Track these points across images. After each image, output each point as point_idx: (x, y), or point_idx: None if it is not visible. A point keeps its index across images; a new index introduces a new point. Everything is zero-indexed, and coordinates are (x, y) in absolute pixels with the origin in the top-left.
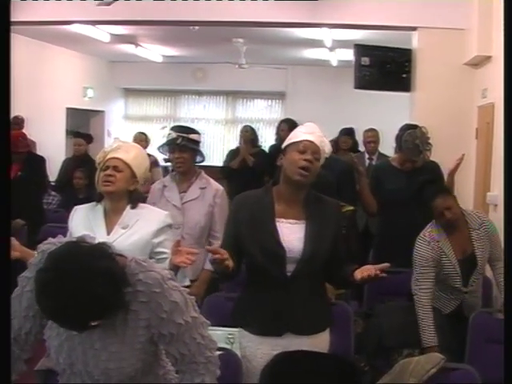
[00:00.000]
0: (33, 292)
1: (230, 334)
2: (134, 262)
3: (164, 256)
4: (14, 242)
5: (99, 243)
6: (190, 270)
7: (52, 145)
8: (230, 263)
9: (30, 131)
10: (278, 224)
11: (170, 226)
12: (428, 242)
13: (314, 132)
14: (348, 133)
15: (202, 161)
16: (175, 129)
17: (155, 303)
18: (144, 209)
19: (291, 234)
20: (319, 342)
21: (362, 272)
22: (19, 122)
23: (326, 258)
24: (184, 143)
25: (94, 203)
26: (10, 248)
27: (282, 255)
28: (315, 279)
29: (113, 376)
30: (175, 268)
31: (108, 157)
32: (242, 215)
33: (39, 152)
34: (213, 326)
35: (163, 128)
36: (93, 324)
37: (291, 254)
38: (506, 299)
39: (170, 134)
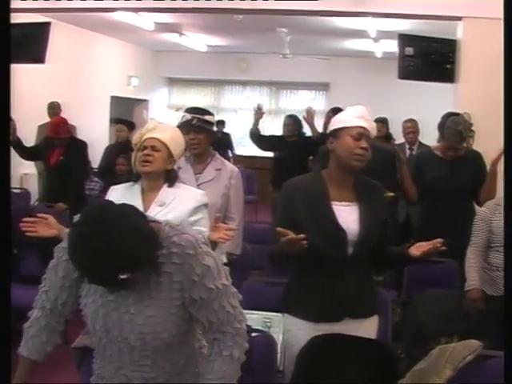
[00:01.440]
0: (69, 261)
1: (266, 318)
2: (169, 226)
3: None
4: (52, 220)
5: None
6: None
7: (96, 132)
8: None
9: (73, 118)
10: (333, 207)
11: (205, 205)
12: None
13: (365, 116)
14: (381, 121)
15: (217, 143)
16: (189, 110)
17: (188, 265)
18: (180, 188)
19: (346, 216)
20: (372, 325)
21: (419, 248)
22: (55, 107)
23: (377, 240)
24: (199, 124)
25: (131, 183)
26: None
27: (343, 237)
28: (367, 261)
29: (148, 341)
30: (213, 244)
31: (145, 137)
32: (296, 201)
33: (82, 139)
34: (250, 309)
35: (177, 110)
36: (122, 277)
37: (349, 237)
38: (507, 297)
39: (184, 115)
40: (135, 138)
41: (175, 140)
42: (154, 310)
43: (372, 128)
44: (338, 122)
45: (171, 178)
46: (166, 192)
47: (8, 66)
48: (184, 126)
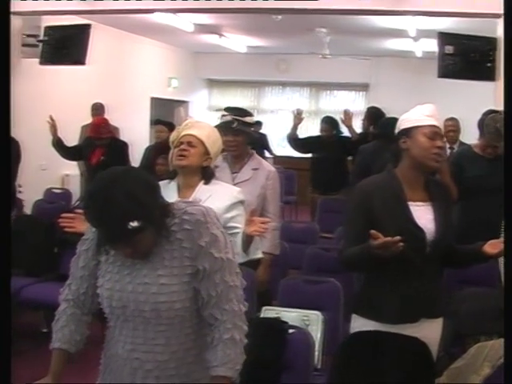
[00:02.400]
0: (88, 251)
1: (305, 316)
2: (182, 201)
3: (236, 231)
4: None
5: None
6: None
7: (136, 134)
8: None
9: (114, 119)
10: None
11: (242, 202)
12: None
13: (435, 115)
14: None
15: (254, 143)
16: (229, 111)
17: (197, 232)
18: (217, 185)
19: (422, 215)
20: (440, 325)
21: (494, 246)
22: (98, 107)
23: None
24: (239, 127)
25: (167, 180)
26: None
27: (422, 237)
28: (440, 260)
29: (163, 312)
30: (249, 239)
31: (182, 134)
32: (372, 202)
33: (124, 140)
34: (288, 307)
35: (217, 110)
36: (132, 225)
37: (428, 237)
38: (507, 297)
39: (224, 115)
40: (172, 135)
41: (212, 138)
42: (168, 278)
43: (441, 126)
44: (409, 121)
45: (207, 175)
46: (202, 189)
47: (8, 66)
48: (223, 127)
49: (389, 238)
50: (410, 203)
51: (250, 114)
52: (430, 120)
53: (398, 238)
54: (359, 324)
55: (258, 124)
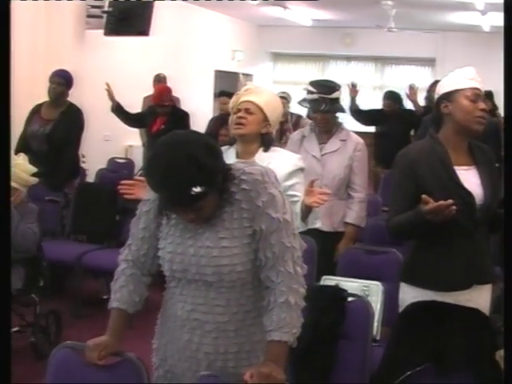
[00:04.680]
0: (149, 212)
1: (365, 287)
2: (241, 162)
3: (295, 199)
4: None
5: None
6: (327, 220)
7: (200, 106)
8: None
9: (177, 91)
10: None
11: (301, 169)
12: None
13: (476, 78)
14: (487, 94)
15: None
16: (315, 86)
17: (255, 192)
18: (276, 152)
19: (468, 180)
20: (489, 292)
21: None
22: (161, 79)
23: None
24: (328, 108)
25: (227, 146)
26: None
27: (472, 202)
28: (487, 226)
29: (225, 275)
30: (307, 209)
31: (240, 100)
32: (419, 169)
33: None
34: (348, 277)
35: (296, 85)
36: (194, 191)
37: (477, 201)
38: (506, 300)
39: (310, 91)
40: (232, 101)
41: (272, 104)
42: (229, 240)
43: (482, 89)
44: (449, 85)
45: (266, 142)
46: (261, 156)
47: (8, 67)
48: (310, 104)
49: (441, 202)
50: (455, 167)
51: (336, 89)
52: (472, 82)
53: (450, 201)
54: (409, 293)
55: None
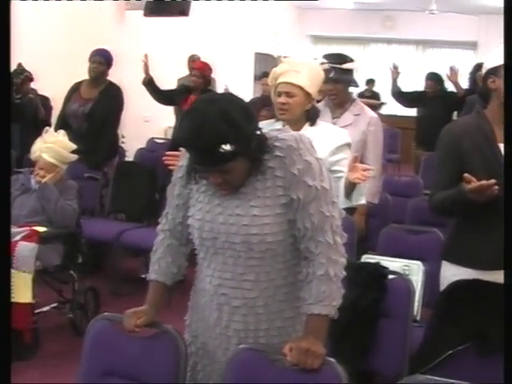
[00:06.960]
0: (182, 178)
1: (405, 266)
2: (274, 129)
3: (340, 175)
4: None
5: None
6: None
7: (239, 88)
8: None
9: (216, 73)
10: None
11: (348, 144)
12: None
13: None
14: None
15: (356, 87)
16: (327, 57)
17: (290, 159)
18: (323, 126)
19: None
20: None
21: None
22: (196, 59)
23: None
24: (337, 77)
25: (273, 120)
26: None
27: None
28: None
29: (254, 244)
30: (351, 185)
31: (278, 81)
32: (462, 144)
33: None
34: (389, 256)
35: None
36: (224, 149)
37: None
38: (507, 300)
39: (322, 63)
40: (270, 78)
41: (311, 78)
42: (260, 209)
43: None
44: (497, 59)
45: (312, 115)
46: (307, 131)
47: (8, 66)
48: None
49: (483, 182)
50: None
51: (348, 60)
52: None
53: (492, 181)
54: (450, 270)
55: (371, 82)
